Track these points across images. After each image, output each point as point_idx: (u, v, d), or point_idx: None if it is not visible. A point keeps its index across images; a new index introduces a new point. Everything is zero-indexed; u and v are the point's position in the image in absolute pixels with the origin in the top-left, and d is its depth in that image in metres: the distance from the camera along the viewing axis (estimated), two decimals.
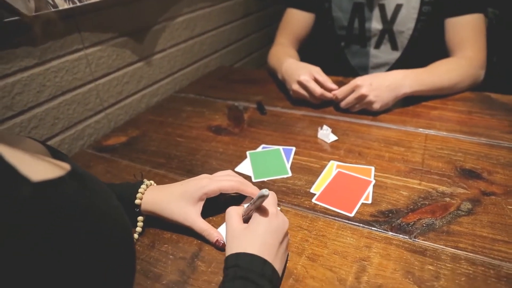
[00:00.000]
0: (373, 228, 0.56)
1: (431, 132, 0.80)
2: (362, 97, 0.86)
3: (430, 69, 0.92)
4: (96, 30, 0.90)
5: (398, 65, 1.07)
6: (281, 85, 1.06)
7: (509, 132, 0.77)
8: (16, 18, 0.71)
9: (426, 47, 1.03)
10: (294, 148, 0.77)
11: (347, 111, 0.91)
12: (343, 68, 1.16)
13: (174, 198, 0.56)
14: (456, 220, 0.56)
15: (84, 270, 0.28)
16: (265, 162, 0.74)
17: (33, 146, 0.39)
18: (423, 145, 0.75)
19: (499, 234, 0.53)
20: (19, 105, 0.77)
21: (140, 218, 0.58)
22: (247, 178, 0.69)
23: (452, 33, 0.97)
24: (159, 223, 0.58)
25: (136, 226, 0.58)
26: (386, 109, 0.89)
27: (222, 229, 0.58)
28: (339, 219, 0.58)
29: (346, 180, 0.66)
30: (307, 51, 1.23)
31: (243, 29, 1.55)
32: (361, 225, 0.57)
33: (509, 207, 0.58)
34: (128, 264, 0.35)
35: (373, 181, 0.65)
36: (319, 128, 0.81)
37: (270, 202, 0.51)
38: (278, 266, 0.46)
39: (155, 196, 0.57)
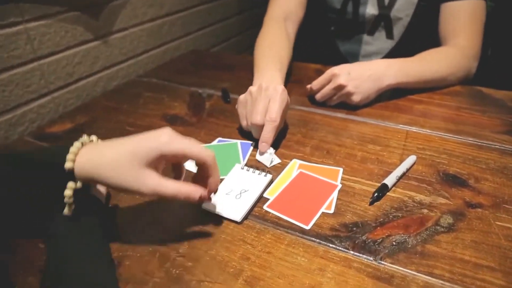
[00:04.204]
0: (331, 245, 0.46)
1: (413, 129, 0.69)
2: (340, 88, 0.75)
3: (417, 58, 0.82)
4: (39, 2, 0.79)
5: (391, 55, 0.96)
6: None
7: (501, 132, 0.67)
8: None
9: (424, 37, 0.92)
10: (252, 143, 0.66)
11: (323, 104, 0.80)
12: (331, 54, 1.05)
13: (123, 160, 0.41)
14: (433, 238, 0.46)
15: None
16: (218, 158, 0.63)
17: None
18: (403, 143, 0.65)
19: (484, 258, 0.43)
20: None
21: (70, 185, 0.41)
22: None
23: (446, 19, 0.86)
24: None
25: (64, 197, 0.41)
26: (368, 103, 0.78)
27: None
28: (292, 231, 0.48)
29: (307, 183, 0.56)
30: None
31: (221, 12, 1.43)
32: (318, 240, 0.46)
33: (498, 223, 0.48)
34: None
35: (339, 185, 0.55)
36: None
37: None
38: None
39: (94, 158, 0.42)
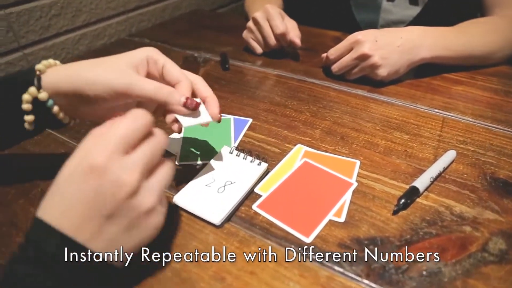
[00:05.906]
0: (337, 269, 0.33)
1: (451, 115, 0.56)
2: (363, 58, 0.62)
3: (459, 28, 0.67)
4: None
5: (415, 24, 0.81)
6: None
7: None
8: None
9: (456, 4, 0.76)
10: (250, 120, 0.54)
11: (340, 78, 0.66)
12: (345, 23, 0.90)
13: (107, 59, 0.38)
14: (479, 271, 0.33)
15: None
16: (203, 136, 0.51)
17: None
18: (438, 133, 0.51)
19: None
20: None
21: (32, 90, 0.36)
22: (171, 156, 0.47)
23: None
24: None
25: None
26: (396, 80, 0.64)
27: None
28: (287, 244, 0.36)
29: (313, 178, 0.43)
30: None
31: None
32: (320, 260, 0.34)
33: None
34: None
35: (355, 184, 0.43)
36: None
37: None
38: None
39: (68, 67, 0.38)
